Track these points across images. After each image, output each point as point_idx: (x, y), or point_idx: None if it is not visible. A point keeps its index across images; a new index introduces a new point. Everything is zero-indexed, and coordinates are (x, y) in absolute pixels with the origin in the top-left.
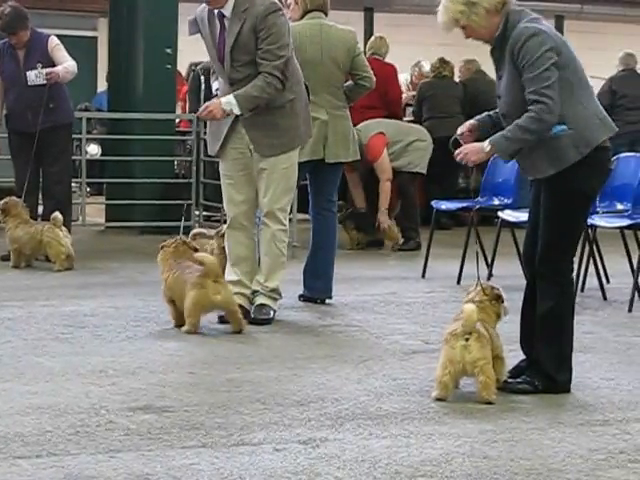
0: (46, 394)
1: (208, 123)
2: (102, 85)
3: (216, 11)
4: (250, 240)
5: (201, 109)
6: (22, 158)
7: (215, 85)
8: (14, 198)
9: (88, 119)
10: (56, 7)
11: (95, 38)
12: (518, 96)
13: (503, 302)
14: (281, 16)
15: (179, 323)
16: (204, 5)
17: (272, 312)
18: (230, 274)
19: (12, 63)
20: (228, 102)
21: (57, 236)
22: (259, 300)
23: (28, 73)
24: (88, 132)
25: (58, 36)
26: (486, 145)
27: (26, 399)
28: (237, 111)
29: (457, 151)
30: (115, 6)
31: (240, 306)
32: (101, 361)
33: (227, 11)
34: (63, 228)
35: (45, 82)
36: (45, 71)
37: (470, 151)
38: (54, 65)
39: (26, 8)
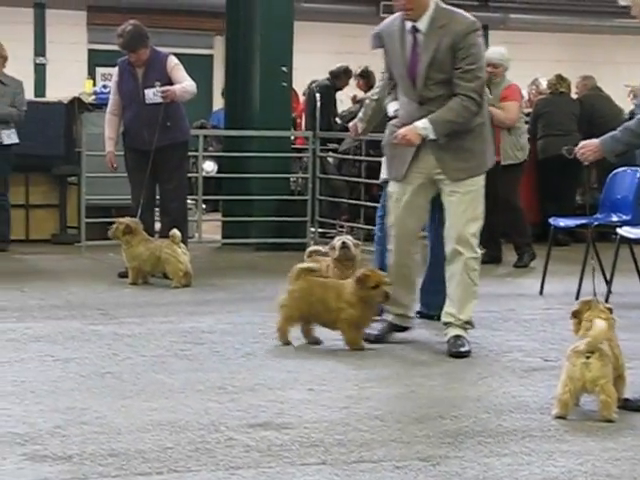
0: (166, 410)
1: (388, 146)
2: (218, 103)
3: (409, 25)
4: (413, 261)
5: (397, 135)
6: (138, 175)
7: (393, 106)
8: (130, 219)
9: (205, 136)
10: (173, 26)
11: (211, 56)
12: None
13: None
14: (480, 36)
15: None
16: (392, 18)
17: (467, 343)
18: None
19: (131, 81)
20: (424, 127)
21: (175, 253)
22: (453, 332)
23: (146, 91)
24: (204, 149)
25: (175, 54)
26: (598, 143)
27: (146, 415)
28: (432, 136)
29: (576, 149)
30: (231, 25)
31: (394, 325)
32: (220, 378)
33: (422, 25)
34: (181, 245)
35: (164, 101)
36: (161, 89)
37: (587, 149)
38: (172, 84)
39: (146, 27)
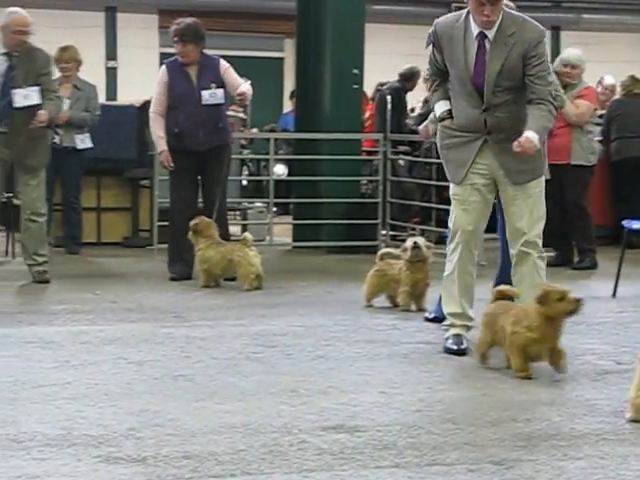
0: (239, 413)
1: (445, 150)
2: (288, 106)
3: (475, 31)
4: (475, 268)
5: (520, 144)
6: (183, 176)
7: (441, 106)
8: (206, 219)
9: (275, 140)
10: (244, 29)
11: (282, 59)
12: None
13: None
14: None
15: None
16: (451, 20)
17: None
18: (455, 305)
19: (184, 81)
20: (534, 137)
21: (247, 256)
22: None
23: (203, 92)
24: (275, 153)
25: (245, 57)
26: None
27: (219, 418)
28: (539, 145)
29: None
30: (302, 27)
31: (463, 337)
32: (292, 380)
33: (490, 33)
34: (253, 248)
35: (219, 102)
36: (238, 91)
37: None
38: (224, 87)
39: (215, 30)
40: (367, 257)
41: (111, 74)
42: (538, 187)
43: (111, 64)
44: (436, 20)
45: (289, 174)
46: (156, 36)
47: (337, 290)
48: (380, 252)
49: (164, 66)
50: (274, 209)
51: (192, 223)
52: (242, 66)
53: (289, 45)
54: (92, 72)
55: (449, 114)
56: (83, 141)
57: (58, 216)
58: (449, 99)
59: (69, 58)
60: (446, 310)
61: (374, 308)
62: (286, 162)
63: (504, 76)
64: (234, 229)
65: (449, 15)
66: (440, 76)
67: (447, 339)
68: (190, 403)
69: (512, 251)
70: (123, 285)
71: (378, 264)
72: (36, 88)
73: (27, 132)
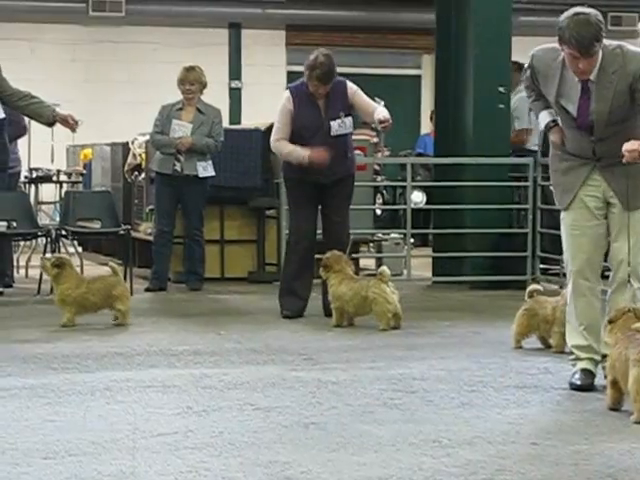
0: (376, 465)
1: (554, 174)
2: (425, 126)
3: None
4: (597, 298)
5: (627, 150)
6: (304, 206)
7: (545, 117)
8: (336, 252)
9: (412, 165)
10: (376, 44)
11: (419, 77)
12: None
13: None
14: None
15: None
16: (550, 55)
17: None
18: (576, 337)
19: (313, 112)
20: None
21: (384, 292)
22: None
23: (332, 123)
24: (412, 179)
25: (379, 75)
26: None
27: (354, 470)
28: None
29: None
30: (442, 42)
31: (589, 372)
32: (434, 430)
33: (593, 74)
34: (390, 283)
35: (347, 132)
36: (380, 118)
37: None
38: (351, 113)
39: (346, 46)
40: (515, 293)
41: (235, 95)
42: None
43: (235, 84)
44: (534, 51)
45: (428, 202)
46: (283, 53)
47: (483, 330)
48: (529, 288)
49: (288, 93)
50: (412, 240)
51: (322, 261)
52: (376, 85)
53: (427, 61)
54: (215, 93)
55: (554, 122)
56: (205, 169)
57: (179, 250)
58: (550, 108)
59: (194, 80)
60: (570, 343)
61: (524, 350)
62: (424, 189)
63: (614, 113)
64: (368, 262)
65: (548, 48)
66: (537, 91)
67: (574, 374)
68: (322, 454)
69: (615, 276)
70: (249, 324)
71: (528, 302)
72: None
73: None
